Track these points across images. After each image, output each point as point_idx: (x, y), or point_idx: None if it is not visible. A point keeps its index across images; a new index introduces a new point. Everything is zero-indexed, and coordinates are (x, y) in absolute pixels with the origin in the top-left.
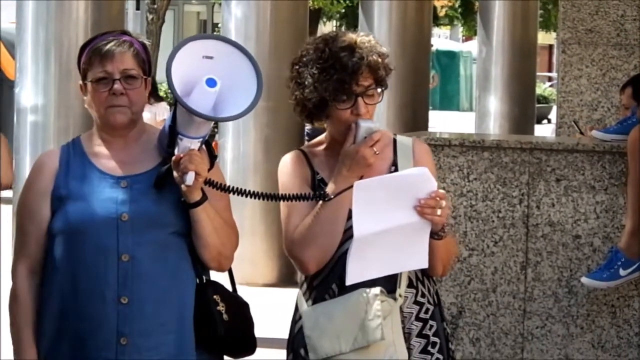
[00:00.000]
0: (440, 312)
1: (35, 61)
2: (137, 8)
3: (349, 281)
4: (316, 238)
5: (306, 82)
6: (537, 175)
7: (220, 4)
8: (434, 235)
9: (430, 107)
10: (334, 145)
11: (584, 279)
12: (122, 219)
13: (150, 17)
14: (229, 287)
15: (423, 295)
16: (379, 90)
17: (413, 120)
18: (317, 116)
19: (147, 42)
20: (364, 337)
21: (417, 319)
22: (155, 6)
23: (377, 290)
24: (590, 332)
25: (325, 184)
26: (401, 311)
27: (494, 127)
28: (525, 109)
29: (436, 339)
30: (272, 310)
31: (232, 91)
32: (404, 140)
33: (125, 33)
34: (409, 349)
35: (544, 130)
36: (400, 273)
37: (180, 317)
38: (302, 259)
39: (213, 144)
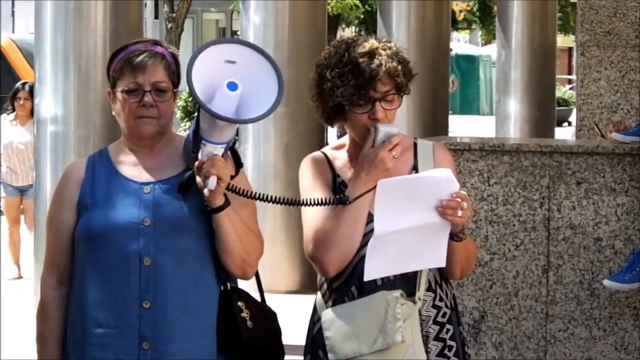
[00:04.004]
0: (457, 316)
1: (54, 71)
2: (156, 17)
3: (367, 277)
4: (336, 241)
5: (325, 86)
6: (557, 178)
7: (239, 12)
8: (454, 236)
9: (450, 112)
10: (355, 149)
11: (606, 282)
12: (144, 223)
13: (169, 25)
14: (257, 297)
15: (441, 299)
16: (399, 95)
17: (433, 124)
18: (336, 119)
19: (177, 52)
20: (385, 339)
21: (435, 322)
22: (174, 15)
23: (397, 292)
24: (613, 334)
25: (346, 187)
26: (420, 314)
27: (514, 131)
28: (545, 111)
29: (453, 343)
30: (295, 317)
31: (253, 95)
32: (424, 144)
33: (157, 43)
34: (426, 352)
35: (565, 133)
36: (420, 276)
37: (203, 324)
38: (323, 262)
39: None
